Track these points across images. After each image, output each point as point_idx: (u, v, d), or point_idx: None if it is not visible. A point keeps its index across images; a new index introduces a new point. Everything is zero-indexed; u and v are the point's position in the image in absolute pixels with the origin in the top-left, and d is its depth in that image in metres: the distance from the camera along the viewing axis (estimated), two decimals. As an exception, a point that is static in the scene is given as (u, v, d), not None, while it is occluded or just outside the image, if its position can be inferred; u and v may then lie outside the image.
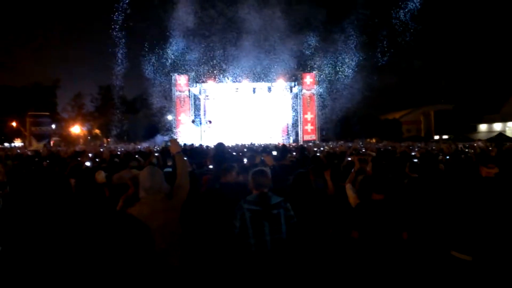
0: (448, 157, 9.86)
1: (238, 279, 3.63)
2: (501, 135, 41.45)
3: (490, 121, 55.80)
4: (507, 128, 51.94)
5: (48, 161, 10.51)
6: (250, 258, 3.53)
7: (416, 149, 15.50)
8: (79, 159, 11.10)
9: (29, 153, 15.68)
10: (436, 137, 53.53)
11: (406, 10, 35.91)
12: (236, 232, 3.60)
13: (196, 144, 20.49)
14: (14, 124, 50.23)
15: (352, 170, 5.45)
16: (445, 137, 51.82)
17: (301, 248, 3.68)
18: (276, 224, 3.56)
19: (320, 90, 38.19)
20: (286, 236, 3.57)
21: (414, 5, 35.57)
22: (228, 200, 4.33)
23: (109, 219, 1.25)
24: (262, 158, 7.21)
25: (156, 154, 10.61)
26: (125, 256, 1.17)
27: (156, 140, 36.53)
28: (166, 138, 35.16)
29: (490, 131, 52.93)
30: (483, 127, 57.18)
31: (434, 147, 18.02)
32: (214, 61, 38.01)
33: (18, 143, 49.78)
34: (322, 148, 17.32)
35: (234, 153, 11.82)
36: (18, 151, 20.22)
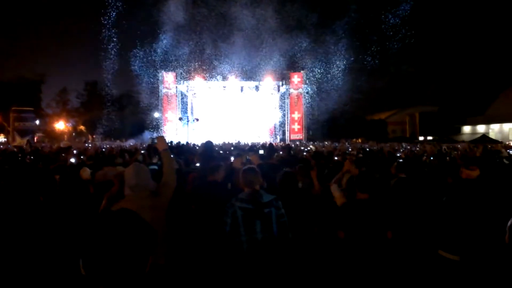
0: (432, 158, 9.98)
1: (228, 277, 3.62)
2: (485, 137, 42.09)
3: (474, 123, 56.67)
4: (490, 130, 52.81)
5: (31, 157, 10.37)
6: (241, 256, 3.51)
7: (402, 150, 15.68)
8: (63, 155, 10.98)
9: (15, 149, 15.42)
10: (421, 138, 54.15)
11: (396, 14, 36.29)
12: (227, 230, 3.58)
13: (183, 142, 20.39)
14: (-3, 119, 49.40)
15: (341, 171, 5.47)
16: (429, 138, 52.48)
17: (291, 247, 3.69)
18: (268, 222, 3.55)
19: (308, 89, 38.36)
20: (277, 235, 3.57)
21: (404, 9, 35.95)
22: (215, 198, 4.33)
23: (104, 216, 1.20)
24: (248, 157, 7.20)
25: (142, 152, 10.54)
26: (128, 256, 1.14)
27: (144, 136, 36.21)
28: (154, 134, 34.88)
29: (473, 133, 53.73)
30: (467, 129, 58.04)
31: (418, 148, 18.25)
32: (202, 58, 37.94)
33: (1, 138, 48.93)
34: (308, 148, 17.38)
35: (221, 152, 11.80)
36: (1, 146, 19.88)
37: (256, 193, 3.62)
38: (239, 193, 3.74)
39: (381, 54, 38.98)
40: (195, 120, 35.59)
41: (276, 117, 38.77)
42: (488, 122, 54.18)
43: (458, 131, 57.76)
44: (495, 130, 52.99)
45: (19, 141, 34.25)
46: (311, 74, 38.61)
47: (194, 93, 37.92)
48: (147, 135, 35.96)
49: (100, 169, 6.73)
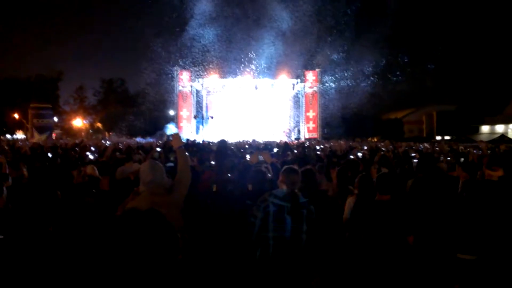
0: (448, 158, 9.84)
1: (249, 273, 3.62)
2: (503, 136, 41.33)
3: (492, 122, 55.62)
4: (509, 130, 51.77)
5: (49, 153, 10.53)
6: (267, 250, 3.52)
7: (420, 148, 15.47)
8: (77, 149, 11.10)
9: (35, 145, 15.62)
10: (438, 138, 53.40)
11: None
12: (257, 224, 3.58)
13: (199, 140, 20.53)
14: (16, 116, 50.31)
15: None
16: (447, 137, 51.68)
17: (317, 250, 3.65)
18: (299, 222, 3.55)
19: (324, 88, 38.16)
20: (306, 237, 3.56)
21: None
22: (232, 195, 4.36)
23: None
24: (260, 156, 7.23)
25: (158, 149, 10.61)
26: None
27: (165, 130, 35.98)
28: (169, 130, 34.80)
29: (492, 132, 52.75)
30: (485, 128, 57.01)
31: (437, 148, 17.97)
32: (218, 56, 38.10)
33: (20, 135, 49.85)
34: (321, 146, 17.25)
35: (235, 150, 11.84)
36: (20, 143, 20.22)
37: (293, 193, 3.61)
38: (274, 190, 3.73)
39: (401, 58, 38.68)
40: (210, 118, 35.68)
41: (291, 115, 38.64)
42: (507, 121, 53.12)
43: (476, 130, 56.75)
44: (514, 129, 51.98)
45: (38, 137, 34.72)
46: (327, 73, 38.47)
47: (209, 91, 38.01)
48: (167, 130, 35.79)
49: (119, 166, 6.83)
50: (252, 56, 37.39)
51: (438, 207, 4.73)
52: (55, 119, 49.64)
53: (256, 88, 36.38)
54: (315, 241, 3.61)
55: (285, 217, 3.52)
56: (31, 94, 49.67)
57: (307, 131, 37.04)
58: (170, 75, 37.80)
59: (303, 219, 3.56)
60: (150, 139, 29.93)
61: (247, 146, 15.78)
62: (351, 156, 9.98)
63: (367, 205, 3.94)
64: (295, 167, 3.97)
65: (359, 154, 10.49)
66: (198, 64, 37.62)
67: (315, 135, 36.61)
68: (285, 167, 3.90)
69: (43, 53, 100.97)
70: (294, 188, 3.64)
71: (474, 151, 12.75)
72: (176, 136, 3.95)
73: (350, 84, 39.30)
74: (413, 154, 11.46)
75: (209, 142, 18.62)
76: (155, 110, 47.43)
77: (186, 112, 36.81)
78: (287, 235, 3.51)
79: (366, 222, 3.85)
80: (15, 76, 56.23)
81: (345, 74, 38.75)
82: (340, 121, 42.84)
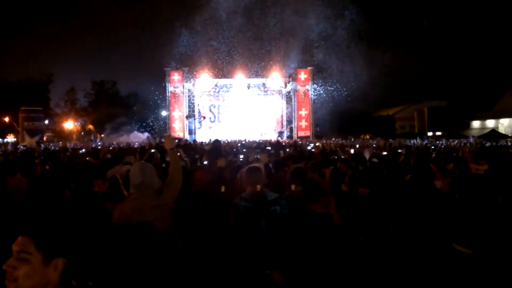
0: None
1: (231, 274, 3.62)
2: (494, 131, 41.70)
3: (483, 117, 56.13)
4: (500, 125, 52.27)
5: (41, 157, 10.45)
6: (246, 253, 3.52)
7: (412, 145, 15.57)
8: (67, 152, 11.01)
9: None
10: (430, 134, 53.73)
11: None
12: (230, 228, 3.59)
13: (191, 140, 20.47)
14: (6, 119, 49.83)
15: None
16: (438, 133, 52.02)
17: (297, 246, 3.68)
18: (273, 220, 3.55)
19: (315, 86, 38.19)
20: (282, 233, 3.55)
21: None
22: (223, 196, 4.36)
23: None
24: (257, 156, 7.26)
25: (152, 151, 10.57)
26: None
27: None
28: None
29: (483, 127, 53.23)
30: (476, 123, 57.50)
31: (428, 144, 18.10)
32: (209, 56, 38.04)
33: (10, 138, 49.38)
34: (312, 144, 17.28)
35: (228, 149, 11.84)
36: (9, 147, 20.07)
37: (260, 192, 3.63)
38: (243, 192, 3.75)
39: (391, 51, 38.83)
40: (202, 118, 35.61)
41: (283, 114, 38.66)
42: (497, 116, 53.66)
43: (467, 126, 57.23)
44: (504, 124, 52.46)
45: (29, 140, 34.49)
46: (319, 71, 38.55)
47: (201, 91, 37.91)
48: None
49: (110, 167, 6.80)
50: (243, 55, 37.38)
51: (428, 200, 4.82)
52: (46, 121, 49.32)
53: (248, 87, 36.34)
54: (291, 236, 3.62)
55: (257, 218, 3.52)
56: (21, 97, 49.24)
57: (299, 129, 37.01)
58: (161, 76, 37.65)
59: (277, 216, 3.56)
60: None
61: (239, 146, 15.80)
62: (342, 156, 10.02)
63: (349, 198, 4.02)
64: (258, 166, 4.00)
65: (351, 151, 10.54)
66: (190, 64, 37.52)
67: (307, 133, 36.62)
68: (247, 167, 3.91)
69: (33, 55, 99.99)
70: (258, 186, 3.65)
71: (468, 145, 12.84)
72: (168, 137, 3.96)
73: (342, 82, 39.43)
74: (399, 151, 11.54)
75: (201, 142, 18.62)
76: (147, 111, 47.31)
77: (178, 112, 36.65)
78: (264, 235, 3.50)
79: (349, 214, 3.92)
80: (4, 79, 55.74)
81: (337, 72, 38.85)
82: (332, 119, 42.96)
